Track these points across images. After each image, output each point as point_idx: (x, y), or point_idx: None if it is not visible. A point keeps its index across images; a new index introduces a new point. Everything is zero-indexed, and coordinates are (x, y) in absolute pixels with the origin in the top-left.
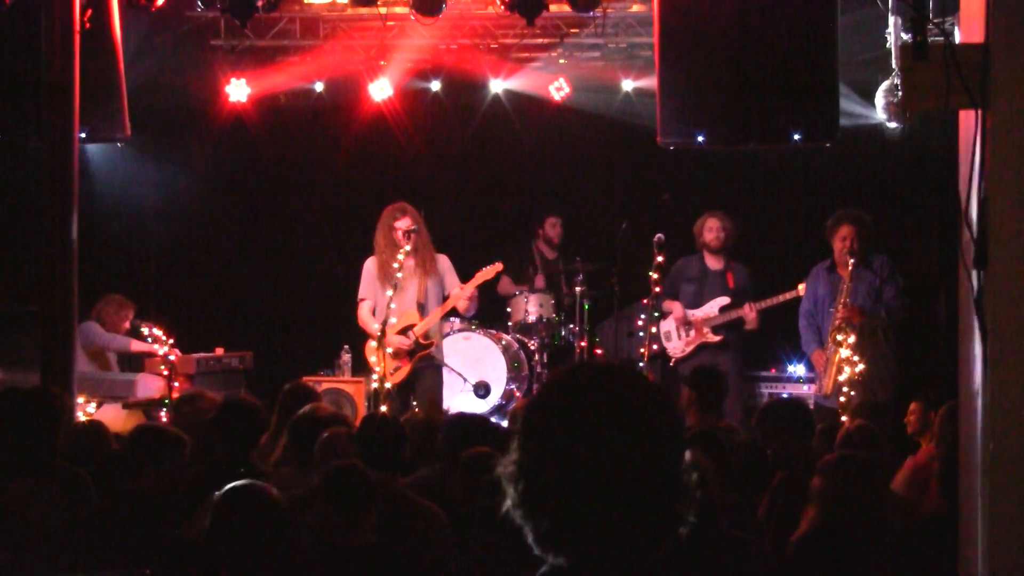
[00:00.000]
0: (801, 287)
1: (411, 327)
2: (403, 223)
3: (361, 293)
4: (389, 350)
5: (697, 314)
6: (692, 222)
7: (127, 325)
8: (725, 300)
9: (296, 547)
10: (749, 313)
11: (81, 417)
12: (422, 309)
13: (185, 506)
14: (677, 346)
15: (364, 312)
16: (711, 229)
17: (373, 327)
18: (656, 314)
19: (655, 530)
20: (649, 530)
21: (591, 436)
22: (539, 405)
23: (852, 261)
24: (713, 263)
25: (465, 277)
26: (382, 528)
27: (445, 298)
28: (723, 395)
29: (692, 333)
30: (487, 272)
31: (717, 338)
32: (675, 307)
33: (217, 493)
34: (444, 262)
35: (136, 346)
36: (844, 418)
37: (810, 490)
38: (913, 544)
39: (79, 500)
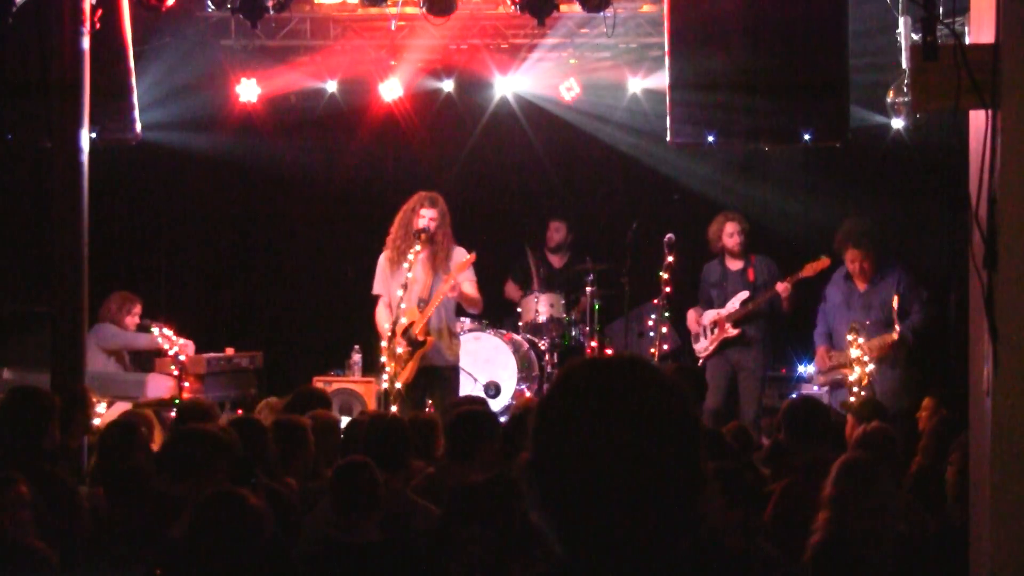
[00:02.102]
0: (826, 258)
1: (413, 324)
2: (427, 213)
3: (375, 289)
4: (399, 350)
5: (721, 312)
6: (702, 222)
7: (136, 320)
8: (745, 294)
9: (285, 552)
10: (784, 291)
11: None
12: (422, 304)
13: None
14: (703, 345)
15: (379, 310)
16: (731, 234)
17: (384, 327)
18: (666, 314)
19: (676, 526)
20: (670, 526)
21: (606, 431)
22: (552, 402)
23: (865, 284)
24: (733, 264)
25: (478, 275)
26: (384, 527)
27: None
28: (702, 393)
29: (716, 331)
30: (462, 265)
31: (735, 332)
32: (689, 317)
33: (197, 500)
34: (459, 256)
35: (147, 341)
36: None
37: (821, 494)
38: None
39: (62, 500)
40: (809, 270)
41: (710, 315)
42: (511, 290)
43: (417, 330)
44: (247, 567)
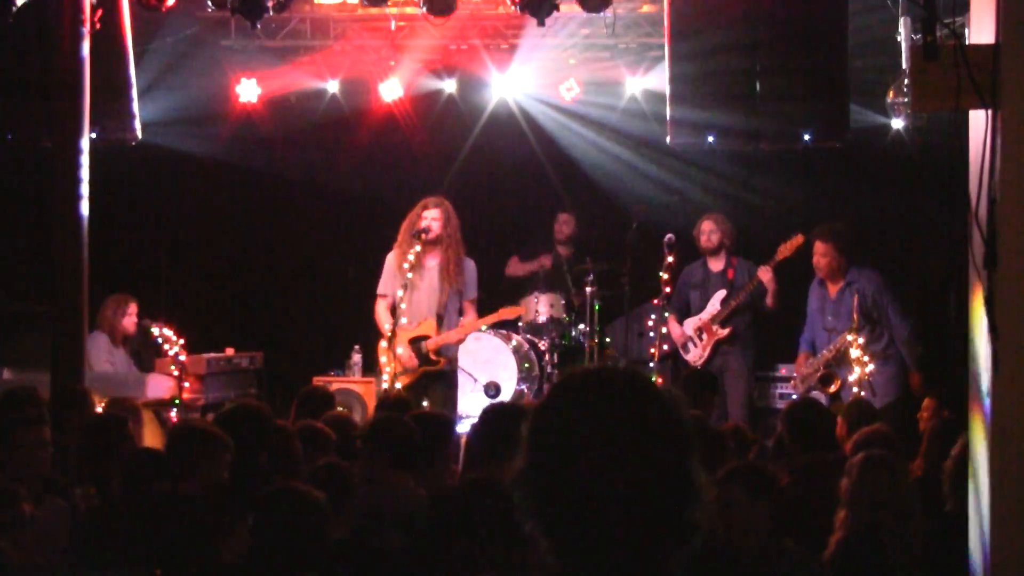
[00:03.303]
0: (799, 236)
1: (425, 338)
2: (429, 214)
3: (380, 288)
4: (400, 350)
5: (703, 316)
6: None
7: (133, 320)
8: (723, 292)
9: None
10: (765, 274)
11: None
12: (440, 322)
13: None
14: (695, 353)
15: (380, 310)
16: (704, 232)
17: (385, 327)
18: (666, 315)
19: (668, 537)
20: (662, 537)
21: (598, 442)
22: (545, 411)
23: (834, 288)
24: (714, 265)
25: (479, 277)
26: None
27: (460, 311)
28: (714, 394)
29: (705, 337)
30: (507, 313)
31: (726, 331)
32: (672, 328)
33: (258, 496)
34: (469, 271)
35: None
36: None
37: (839, 492)
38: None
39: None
40: (784, 251)
41: (691, 323)
42: (514, 265)
43: (432, 346)
44: (316, 564)
